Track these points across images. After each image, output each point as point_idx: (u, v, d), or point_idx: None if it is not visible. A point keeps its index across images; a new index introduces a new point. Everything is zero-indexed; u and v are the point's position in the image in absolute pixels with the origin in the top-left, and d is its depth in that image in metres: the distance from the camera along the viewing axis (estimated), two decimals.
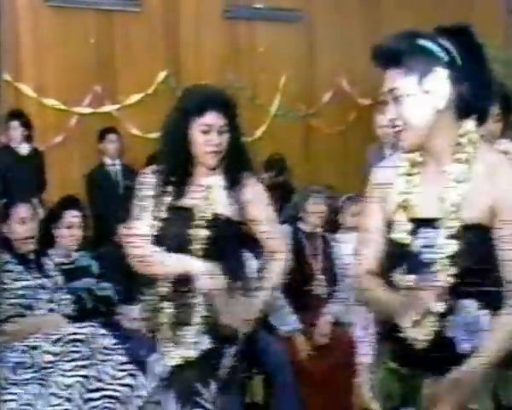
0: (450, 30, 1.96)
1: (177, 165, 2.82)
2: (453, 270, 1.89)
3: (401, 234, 2.00)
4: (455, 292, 1.90)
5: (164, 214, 2.81)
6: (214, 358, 2.77)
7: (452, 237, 1.90)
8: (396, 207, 2.03)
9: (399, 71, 1.95)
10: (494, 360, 1.89)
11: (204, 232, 2.76)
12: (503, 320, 1.90)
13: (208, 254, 2.75)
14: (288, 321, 4.53)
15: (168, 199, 2.82)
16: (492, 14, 8.47)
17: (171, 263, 2.77)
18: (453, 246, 1.89)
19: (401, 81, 1.95)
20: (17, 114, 6.44)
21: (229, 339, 2.79)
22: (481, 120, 1.99)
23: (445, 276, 1.89)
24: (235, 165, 2.83)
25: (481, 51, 1.96)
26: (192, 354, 2.77)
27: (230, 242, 2.83)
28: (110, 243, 4.90)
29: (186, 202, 2.82)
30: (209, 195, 2.81)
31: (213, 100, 2.78)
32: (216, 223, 2.77)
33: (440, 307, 1.90)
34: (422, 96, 1.94)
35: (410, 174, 2.03)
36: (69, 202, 4.63)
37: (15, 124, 6.52)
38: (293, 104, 8.31)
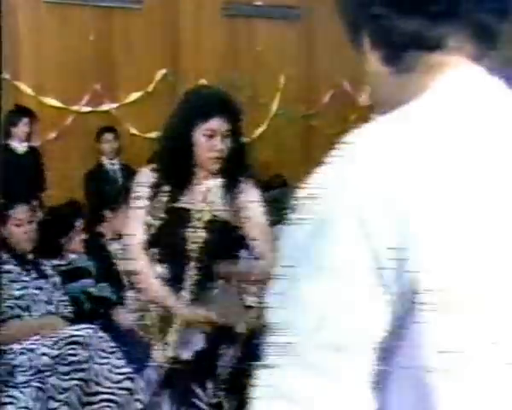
0: None
1: (176, 166, 2.81)
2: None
3: None
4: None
5: (161, 215, 2.80)
6: (209, 358, 2.76)
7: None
8: None
9: None
10: None
11: (201, 234, 2.75)
12: None
13: (204, 256, 2.73)
14: None
15: (165, 199, 2.81)
16: None
17: (160, 295, 2.79)
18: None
19: None
20: (28, 112, 6.36)
21: (225, 339, 2.78)
22: None
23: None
24: (234, 169, 2.83)
25: None
26: (185, 354, 2.76)
27: (227, 244, 2.81)
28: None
29: (185, 203, 2.81)
30: (208, 197, 2.80)
31: (219, 105, 2.77)
32: (213, 225, 2.76)
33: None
34: None
35: None
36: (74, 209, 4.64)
37: (26, 121, 6.38)
38: (293, 104, 8.26)
